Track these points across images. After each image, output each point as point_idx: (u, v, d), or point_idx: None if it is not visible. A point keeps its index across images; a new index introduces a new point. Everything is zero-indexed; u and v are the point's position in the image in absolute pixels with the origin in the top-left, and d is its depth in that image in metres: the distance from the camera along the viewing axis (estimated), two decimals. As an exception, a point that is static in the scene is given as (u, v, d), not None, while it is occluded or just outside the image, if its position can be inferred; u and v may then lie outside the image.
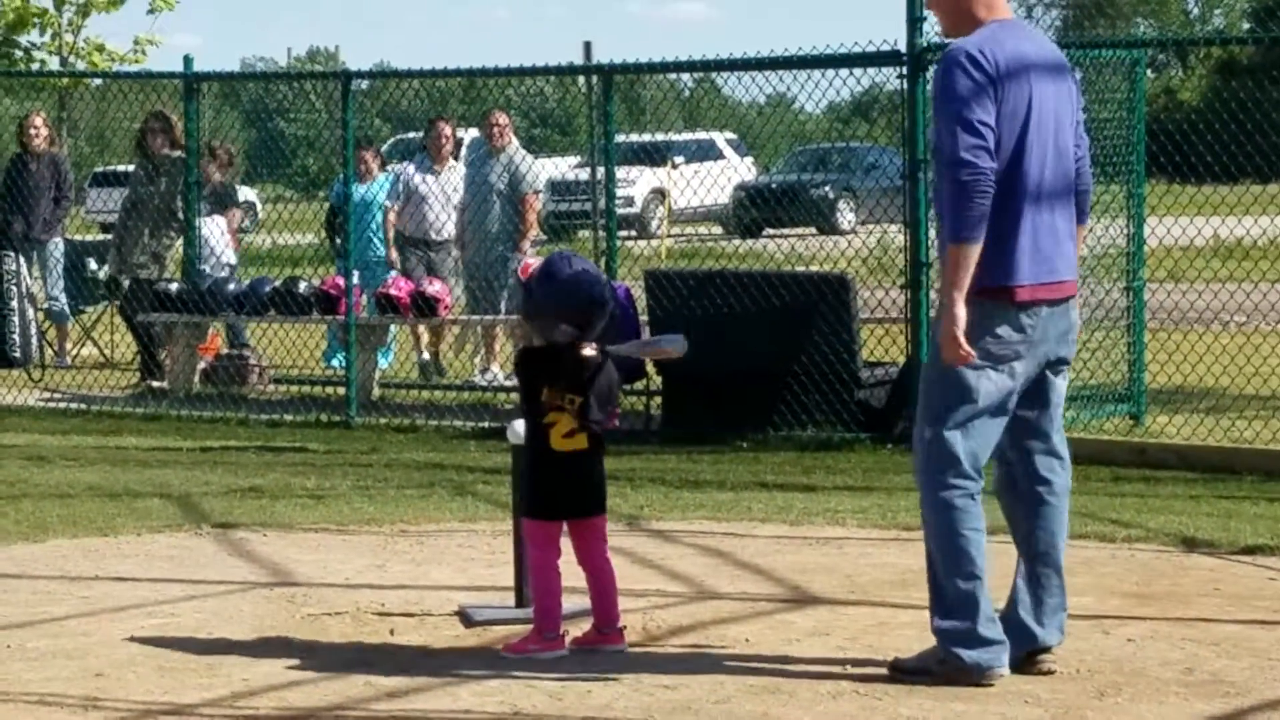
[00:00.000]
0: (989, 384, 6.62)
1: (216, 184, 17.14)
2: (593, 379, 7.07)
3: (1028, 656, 6.78)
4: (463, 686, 6.78)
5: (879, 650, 7.16)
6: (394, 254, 16.45)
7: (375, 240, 16.55)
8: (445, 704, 6.58)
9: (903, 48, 12.77)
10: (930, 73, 12.72)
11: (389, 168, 17.63)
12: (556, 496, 7.13)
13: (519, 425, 7.30)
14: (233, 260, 17.08)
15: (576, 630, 7.28)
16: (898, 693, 6.62)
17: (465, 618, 7.72)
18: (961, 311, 6.48)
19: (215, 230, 16.71)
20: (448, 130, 16.59)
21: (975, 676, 6.62)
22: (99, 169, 27.48)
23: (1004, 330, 6.61)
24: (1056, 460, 6.85)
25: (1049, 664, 6.81)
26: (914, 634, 7.40)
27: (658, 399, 13.76)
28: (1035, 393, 6.75)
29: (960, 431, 6.61)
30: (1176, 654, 7.09)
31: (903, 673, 6.75)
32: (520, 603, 7.69)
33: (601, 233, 14.43)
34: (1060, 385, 6.86)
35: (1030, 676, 6.74)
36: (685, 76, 20.02)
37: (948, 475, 6.62)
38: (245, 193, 22.33)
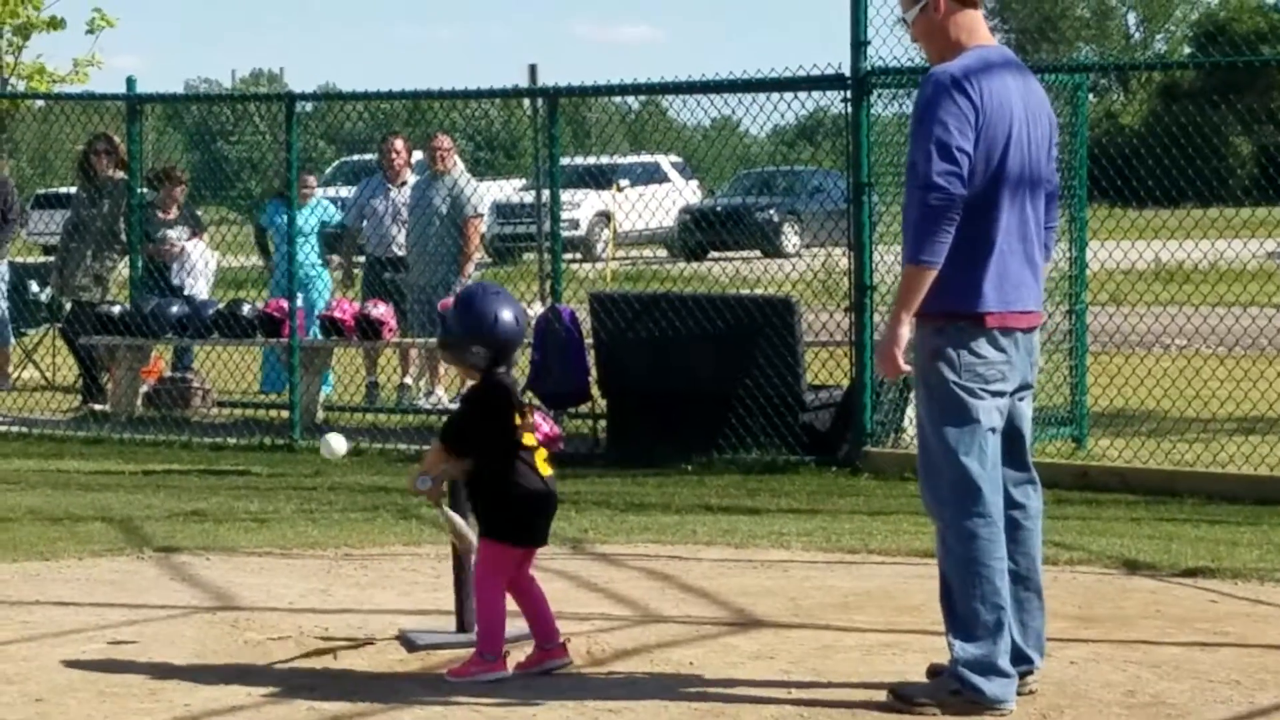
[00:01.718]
0: (987, 405, 6.65)
1: (183, 207, 17.07)
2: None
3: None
4: (406, 711, 6.76)
5: (823, 674, 7.17)
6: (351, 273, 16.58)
7: (307, 264, 16.48)
8: (389, 728, 6.57)
9: (847, 71, 12.81)
10: (874, 96, 12.80)
11: (318, 192, 17.68)
12: (538, 523, 7.14)
13: (337, 440, 7.27)
14: (210, 282, 17.06)
15: (519, 655, 7.27)
16: (841, 716, 6.62)
17: (408, 642, 7.69)
18: (905, 331, 6.52)
19: (198, 251, 16.72)
20: (400, 146, 16.58)
21: (991, 708, 6.58)
22: (41, 191, 27.35)
23: (986, 351, 6.64)
24: (1030, 485, 6.88)
25: (1033, 684, 6.83)
26: (858, 656, 7.43)
27: (603, 422, 13.76)
28: (1006, 419, 6.79)
29: (975, 460, 6.61)
30: (1119, 676, 7.11)
31: (907, 701, 6.65)
32: (462, 627, 7.67)
33: (547, 255, 14.44)
34: (1027, 411, 6.90)
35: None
36: (631, 99, 20.06)
37: (971, 505, 6.60)
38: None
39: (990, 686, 6.57)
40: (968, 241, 6.55)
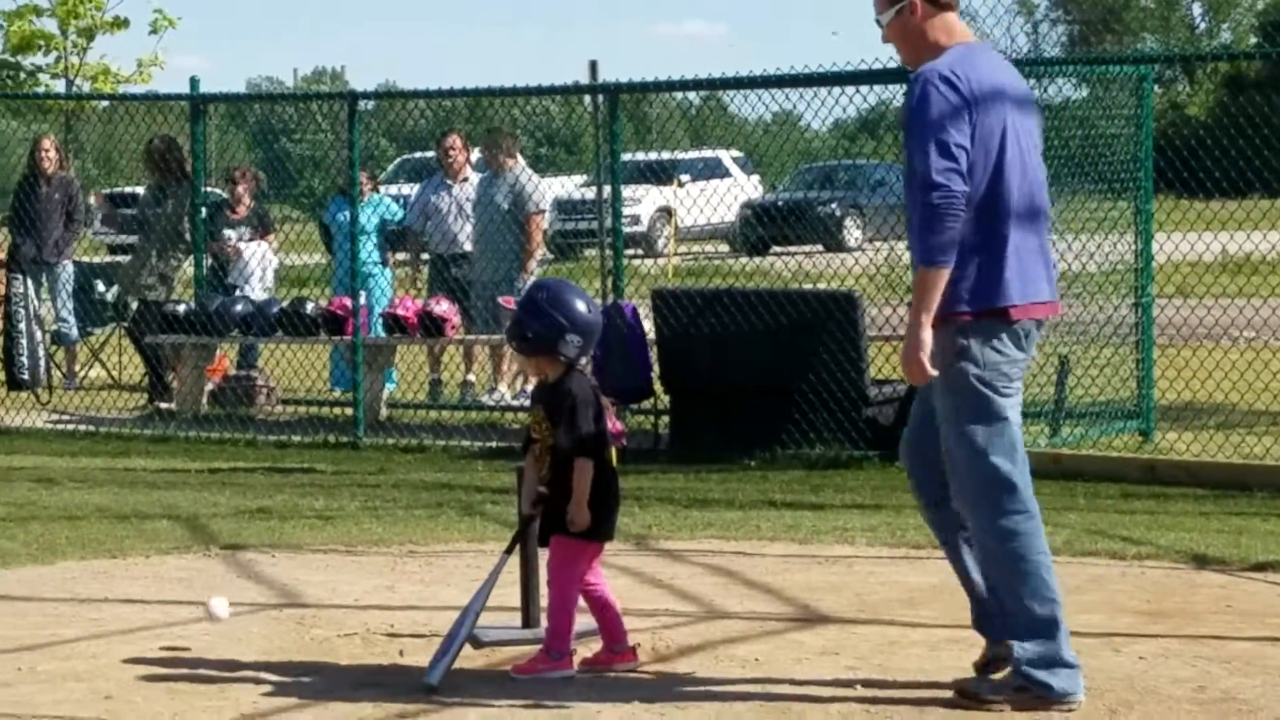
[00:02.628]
0: (1013, 402, 6.61)
1: (252, 208, 17.12)
2: None
3: (992, 661, 6.77)
4: (471, 708, 6.76)
5: (889, 670, 7.14)
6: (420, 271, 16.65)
7: (369, 262, 16.47)
8: (455, 725, 6.57)
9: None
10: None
11: (380, 190, 17.71)
12: (611, 517, 7.16)
13: (219, 605, 7.48)
14: (271, 284, 17.06)
15: (585, 651, 7.27)
16: (908, 714, 6.59)
17: (473, 639, 7.68)
18: (927, 335, 6.45)
19: (256, 254, 16.74)
20: (459, 143, 16.58)
21: (1059, 702, 6.54)
22: (106, 191, 27.48)
23: (1010, 349, 6.60)
24: None
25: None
26: (924, 653, 7.40)
27: (665, 418, 13.75)
28: None
29: (1005, 457, 6.57)
30: (1188, 672, 7.06)
31: (975, 699, 6.60)
32: (527, 623, 7.67)
33: (608, 251, 14.43)
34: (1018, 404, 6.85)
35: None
36: (692, 95, 20.05)
37: (1007, 503, 6.56)
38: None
39: (1057, 681, 6.54)
40: (981, 236, 6.51)
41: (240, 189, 16.89)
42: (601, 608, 7.21)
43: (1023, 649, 6.55)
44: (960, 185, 6.42)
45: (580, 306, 7.18)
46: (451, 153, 16.45)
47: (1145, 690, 6.81)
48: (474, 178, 16.43)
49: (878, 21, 6.81)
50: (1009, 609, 6.59)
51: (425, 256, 16.87)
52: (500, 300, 14.75)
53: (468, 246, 16.17)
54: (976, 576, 6.76)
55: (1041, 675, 6.54)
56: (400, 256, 17.84)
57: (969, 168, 6.46)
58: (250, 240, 16.78)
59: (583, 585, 7.18)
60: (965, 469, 6.60)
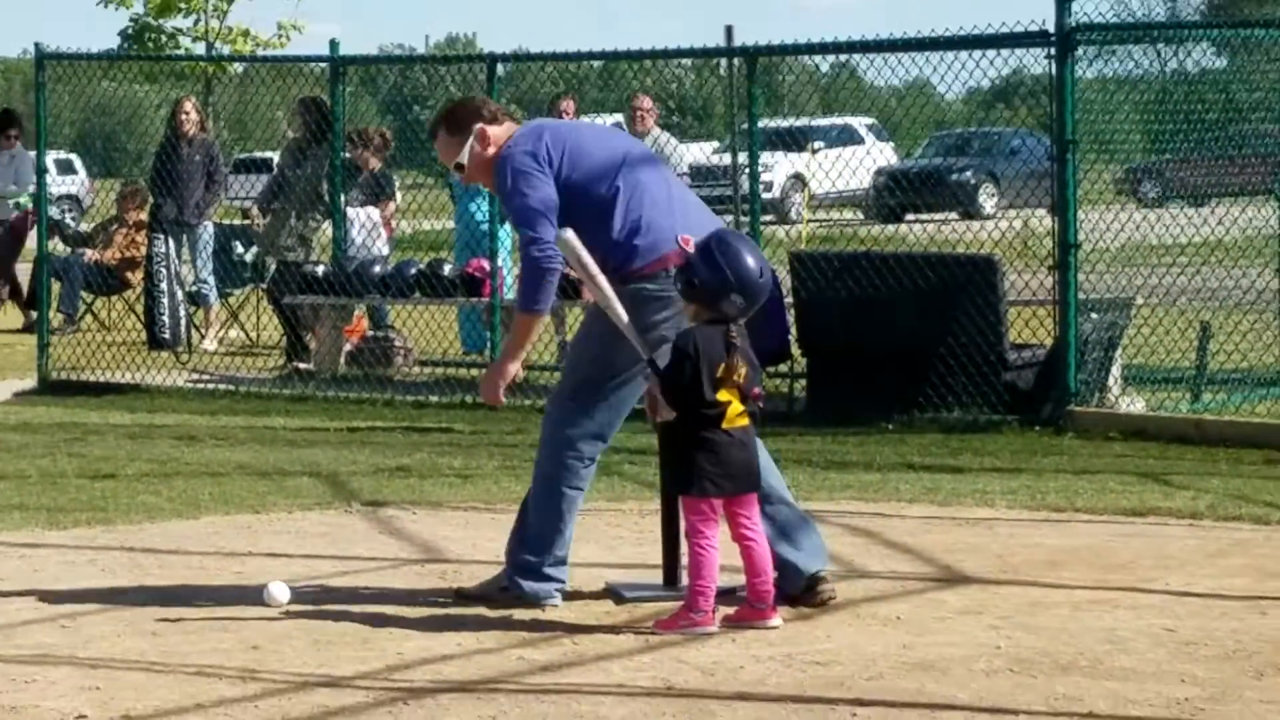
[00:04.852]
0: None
1: (373, 172, 17.13)
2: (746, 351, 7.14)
3: (807, 590, 7.40)
4: (615, 662, 6.80)
5: (1033, 629, 7.12)
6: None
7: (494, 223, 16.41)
8: (598, 678, 6.60)
9: (1051, 27, 12.65)
10: (1080, 52, 12.64)
11: None
12: (725, 474, 7.12)
13: (279, 589, 7.61)
14: (385, 251, 17.03)
15: (727, 609, 7.28)
16: (1052, 670, 6.57)
17: (615, 595, 7.73)
18: (513, 367, 7.42)
19: (365, 221, 16.73)
20: (570, 107, 16.53)
21: (533, 602, 7.46)
22: (240, 155, 27.74)
23: None
24: None
25: (828, 592, 7.43)
26: (1067, 612, 7.37)
27: (801, 381, 13.72)
28: None
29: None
30: (1339, 635, 6.99)
31: (467, 597, 7.59)
32: (669, 581, 7.69)
33: (744, 218, 14.38)
34: None
35: (1181, 657, 6.68)
36: (822, 62, 19.97)
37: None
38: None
39: (532, 585, 7.48)
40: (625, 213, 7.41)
41: (364, 153, 16.86)
42: (749, 561, 7.21)
43: (518, 555, 7.49)
44: (550, 233, 7.28)
45: (752, 265, 7.12)
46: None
47: (1295, 653, 6.75)
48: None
49: (456, 169, 7.62)
50: (531, 521, 7.47)
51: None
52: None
53: None
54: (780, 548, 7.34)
55: (523, 580, 7.46)
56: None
57: (564, 207, 7.35)
58: (363, 206, 16.72)
59: (740, 539, 7.18)
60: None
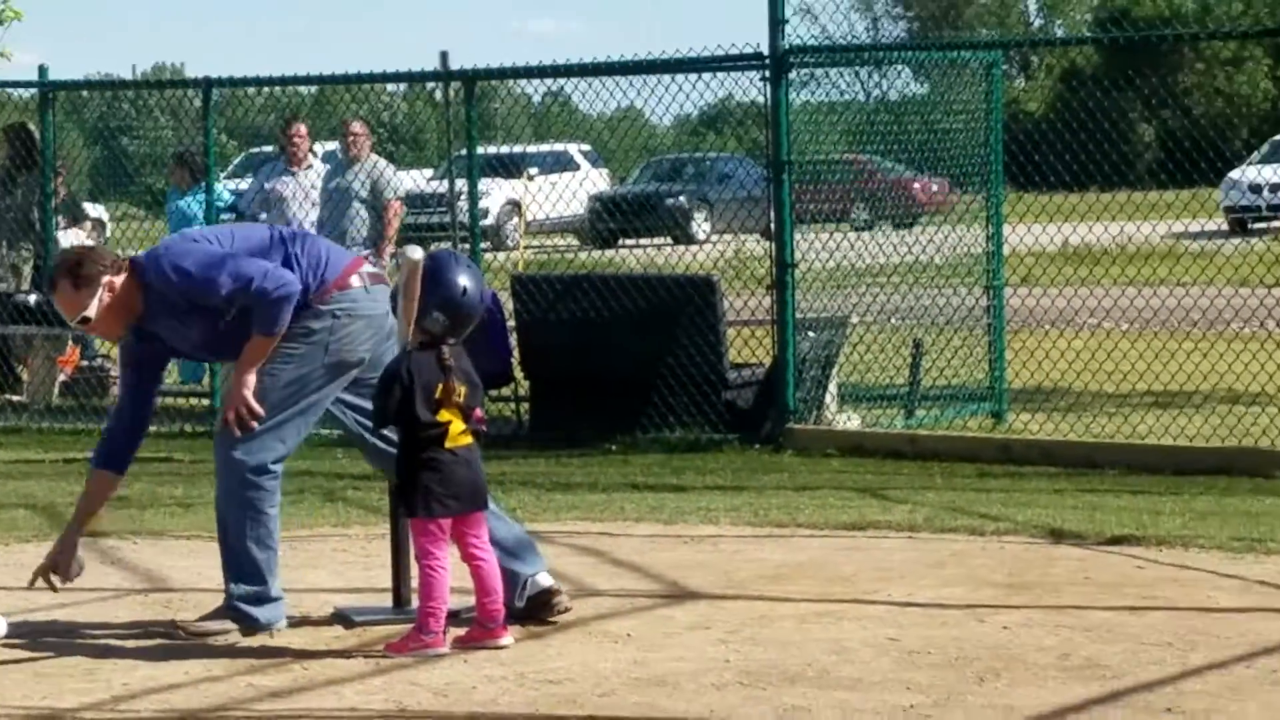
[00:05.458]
0: None
1: (65, 197, 16.89)
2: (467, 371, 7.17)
3: (542, 603, 7.48)
4: (346, 686, 6.76)
5: (760, 642, 7.22)
6: None
7: None
8: (330, 703, 6.57)
9: (765, 49, 12.85)
10: (792, 75, 12.87)
11: (227, 184, 17.61)
12: (451, 493, 7.13)
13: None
14: None
15: (458, 630, 7.28)
16: (780, 682, 6.67)
17: (345, 619, 7.70)
18: (252, 379, 7.31)
19: (65, 243, 16.45)
20: (303, 130, 16.40)
21: (262, 629, 7.39)
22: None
23: None
24: None
25: (563, 604, 7.52)
26: (793, 625, 7.49)
27: (525, 404, 13.75)
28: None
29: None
30: (1051, 640, 7.19)
31: (192, 634, 7.38)
32: (398, 604, 7.67)
33: (463, 245, 14.37)
34: None
35: (905, 665, 6.83)
36: (534, 91, 20.07)
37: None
38: (95, 209, 22.04)
39: (259, 612, 7.36)
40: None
41: (58, 181, 16.65)
42: (478, 581, 7.22)
43: (238, 588, 7.37)
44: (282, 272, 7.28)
45: (461, 285, 7.15)
46: (296, 140, 16.26)
47: (1011, 658, 6.92)
48: (318, 165, 16.28)
49: (82, 322, 7.42)
50: (233, 552, 7.45)
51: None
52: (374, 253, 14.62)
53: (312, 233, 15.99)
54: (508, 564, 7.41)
55: (249, 609, 7.33)
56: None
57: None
58: (64, 230, 16.47)
59: (470, 558, 7.19)
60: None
